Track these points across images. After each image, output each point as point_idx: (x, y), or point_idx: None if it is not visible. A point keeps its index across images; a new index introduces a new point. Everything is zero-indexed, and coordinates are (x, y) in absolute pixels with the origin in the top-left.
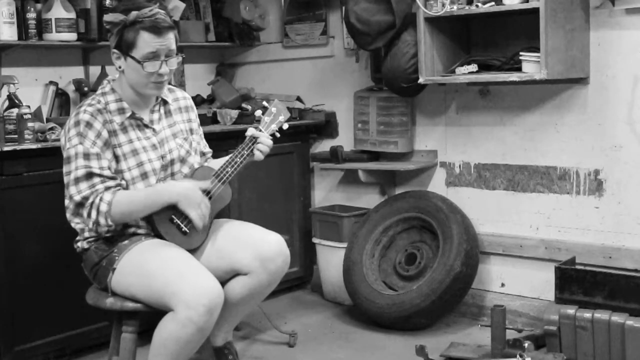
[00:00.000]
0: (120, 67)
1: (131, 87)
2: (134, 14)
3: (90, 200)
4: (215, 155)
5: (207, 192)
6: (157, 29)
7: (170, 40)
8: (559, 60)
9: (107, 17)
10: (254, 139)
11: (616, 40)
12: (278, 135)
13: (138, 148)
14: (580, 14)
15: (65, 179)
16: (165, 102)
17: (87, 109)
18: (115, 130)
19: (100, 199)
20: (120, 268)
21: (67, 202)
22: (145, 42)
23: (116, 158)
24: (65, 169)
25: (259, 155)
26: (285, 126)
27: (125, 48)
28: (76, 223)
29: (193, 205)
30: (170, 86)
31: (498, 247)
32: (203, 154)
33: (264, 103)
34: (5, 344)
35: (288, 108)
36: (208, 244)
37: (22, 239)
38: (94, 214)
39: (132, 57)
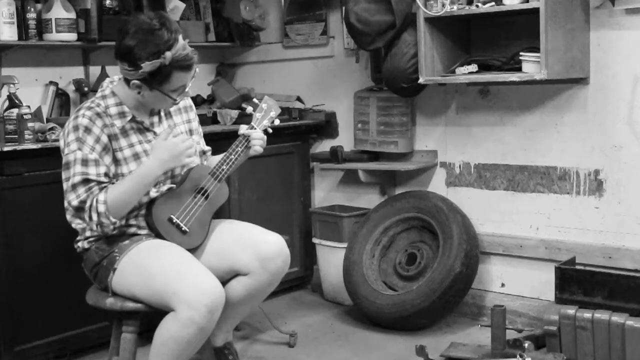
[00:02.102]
0: (139, 92)
1: (141, 102)
2: (169, 55)
3: (88, 204)
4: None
5: (204, 191)
6: (190, 67)
7: (195, 69)
8: (559, 60)
9: (146, 67)
10: (247, 137)
11: (616, 40)
12: (270, 131)
13: (139, 152)
14: (580, 14)
15: (64, 185)
16: None
17: (86, 113)
18: (115, 134)
19: (96, 201)
20: (121, 268)
21: (66, 204)
22: (179, 79)
23: (117, 162)
24: (64, 175)
25: (256, 150)
26: (277, 121)
27: (157, 84)
28: (77, 224)
29: (177, 151)
30: None
31: (498, 247)
32: (203, 152)
33: (255, 100)
34: (5, 344)
35: (288, 108)
36: (208, 244)
37: (22, 239)
38: (94, 216)
39: (161, 91)
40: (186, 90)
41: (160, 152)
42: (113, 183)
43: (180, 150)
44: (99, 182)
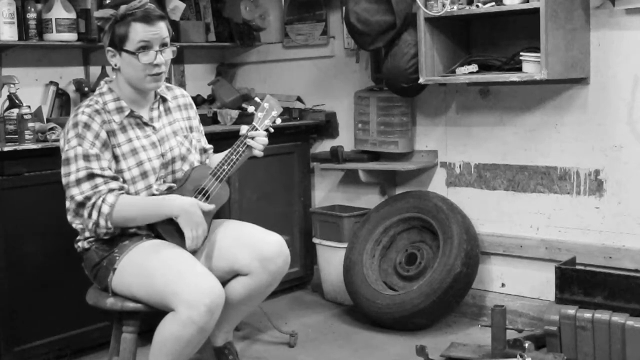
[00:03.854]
0: (116, 65)
1: (129, 84)
2: (123, 7)
3: (92, 201)
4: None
5: (204, 191)
6: (148, 18)
7: (162, 29)
8: (559, 61)
9: (97, 14)
10: (248, 136)
11: (616, 40)
12: (272, 130)
13: (137, 147)
14: (581, 14)
15: (64, 180)
16: (164, 100)
17: (85, 110)
18: (114, 130)
19: (103, 200)
20: (121, 268)
21: (68, 204)
22: (137, 32)
23: (115, 158)
24: (64, 171)
25: (257, 152)
26: (279, 121)
27: (119, 43)
28: (77, 224)
29: (191, 225)
30: (168, 84)
31: (498, 247)
32: (205, 150)
33: (256, 99)
34: (5, 344)
35: (288, 108)
36: (208, 244)
37: (22, 239)
38: (94, 214)
39: (126, 51)
40: (161, 60)
41: (191, 209)
42: (118, 179)
43: (197, 224)
44: (104, 178)
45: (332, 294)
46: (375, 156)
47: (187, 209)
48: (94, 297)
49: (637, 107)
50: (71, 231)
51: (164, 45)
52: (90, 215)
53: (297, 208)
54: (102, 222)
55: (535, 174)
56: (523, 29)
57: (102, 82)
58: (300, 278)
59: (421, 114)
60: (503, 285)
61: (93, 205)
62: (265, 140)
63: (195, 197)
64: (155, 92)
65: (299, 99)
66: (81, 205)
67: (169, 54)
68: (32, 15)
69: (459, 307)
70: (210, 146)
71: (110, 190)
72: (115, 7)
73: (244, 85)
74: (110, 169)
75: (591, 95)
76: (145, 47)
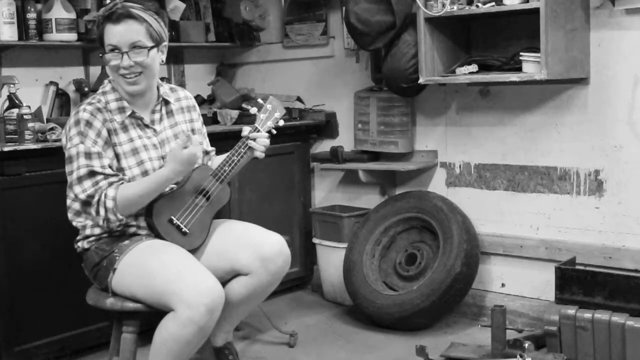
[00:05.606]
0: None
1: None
2: (102, 10)
3: (96, 199)
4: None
5: (205, 193)
6: (115, 19)
7: (130, 30)
8: (559, 61)
9: (86, 17)
10: (250, 137)
11: (616, 41)
12: (274, 132)
13: (138, 146)
14: (581, 14)
15: (69, 179)
16: (167, 102)
17: (87, 108)
18: (115, 129)
19: (105, 196)
20: (121, 268)
21: (69, 202)
22: (108, 34)
23: (116, 156)
24: (67, 169)
25: (258, 154)
26: (281, 122)
27: (100, 45)
28: (78, 222)
29: (187, 164)
30: (172, 86)
31: (498, 247)
32: (207, 152)
33: (259, 100)
34: (6, 344)
35: (288, 108)
36: (208, 244)
37: (22, 239)
38: (102, 211)
39: (104, 53)
40: (127, 62)
41: (177, 163)
42: (118, 175)
43: (188, 159)
44: (105, 174)
45: (332, 294)
46: (375, 156)
47: (176, 160)
48: (94, 297)
49: (637, 107)
50: (71, 231)
51: (133, 46)
52: (98, 212)
53: (297, 208)
54: (111, 216)
55: (535, 174)
56: (523, 29)
57: (105, 81)
58: (300, 278)
59: (421, 114)
60: (503, 285)
61: (98, 203)
62: (267, 141)
63: (196, 198)
64: (157, 94)
65: (298, 99)
66: (86, 204)
67: (138, 56)
68: (32, 15)
69: (459, 307)
70: (213, 148)
71: (110, 184)
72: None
73: (244, 86)
74: (111, 167)
75: (591, 95)
76: (114, 49)
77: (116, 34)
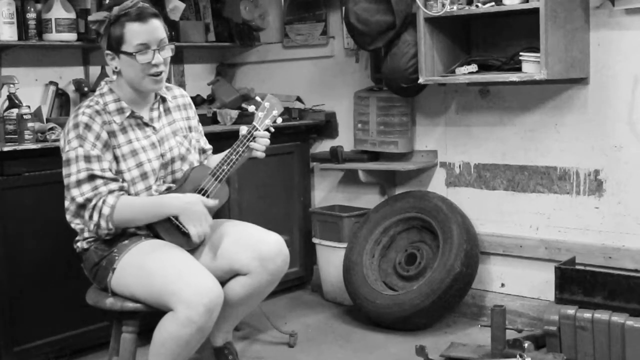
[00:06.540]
0: (116, 68)
1: (130, 85)
2: (116, 8)
3: (93, 203)
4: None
5: (204, 191)
6: (142, 17)
7: (157, 27)
8: (559, 60)
9: (91, 17)
10: (248, 136)
11: (616, 41)
12: (272, 130)
13: (137, 148)
14: (580, 14)
15: (66, 181)
16: (164, 100)
17: (86, 111)
18: (114, 131)
19: (104, 202)
20: (120, 268)
21: (67, 203)
22: (133, 33)
23: (116, 159)
24: (65, 172)
25: (259, 154)
26: (279, 120)
27: (116, 45)
28: (76, 224)
29: (194, 221)
30: (167, 84)
31: (498, 247)
32: (204, 150)
33: (257, 98)
34: (5, 344)
35: (288, 108)
36: (208, 244)
37: (22, 239)
38: (95, 216)
39: (124, 52)
40: (159, 59)
41: (192, 207)
42: (118, 180)
43: (199, 219)
44: (104, 179)
45: (332, 294)
46: (375, 156)
47: (187, 207)
48: (93, 297)
49: (637, 107)
50: (71, 231)
51: (161, 43)
52: (91, 216)
53: (297, 208)
54: (103, 223)
55: (535, 174)
56: (523, 29)
57: (102, 83)
58: (300, 278)
59: (421, 114)
60: (503, 285)
61: (94, 207)
62: (268, 141)
63: None
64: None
65: (298, 99)
66: (82, 206)
67: (167, 52)
68: (31, 15)
69: (459, 307)
70: (210, 147)
71: (111, 192)
72: (109, 9)
73: (244, 85)
74: (111, 170)
75: (591, 95)
76: (143, 47)
77: (145, 32)
